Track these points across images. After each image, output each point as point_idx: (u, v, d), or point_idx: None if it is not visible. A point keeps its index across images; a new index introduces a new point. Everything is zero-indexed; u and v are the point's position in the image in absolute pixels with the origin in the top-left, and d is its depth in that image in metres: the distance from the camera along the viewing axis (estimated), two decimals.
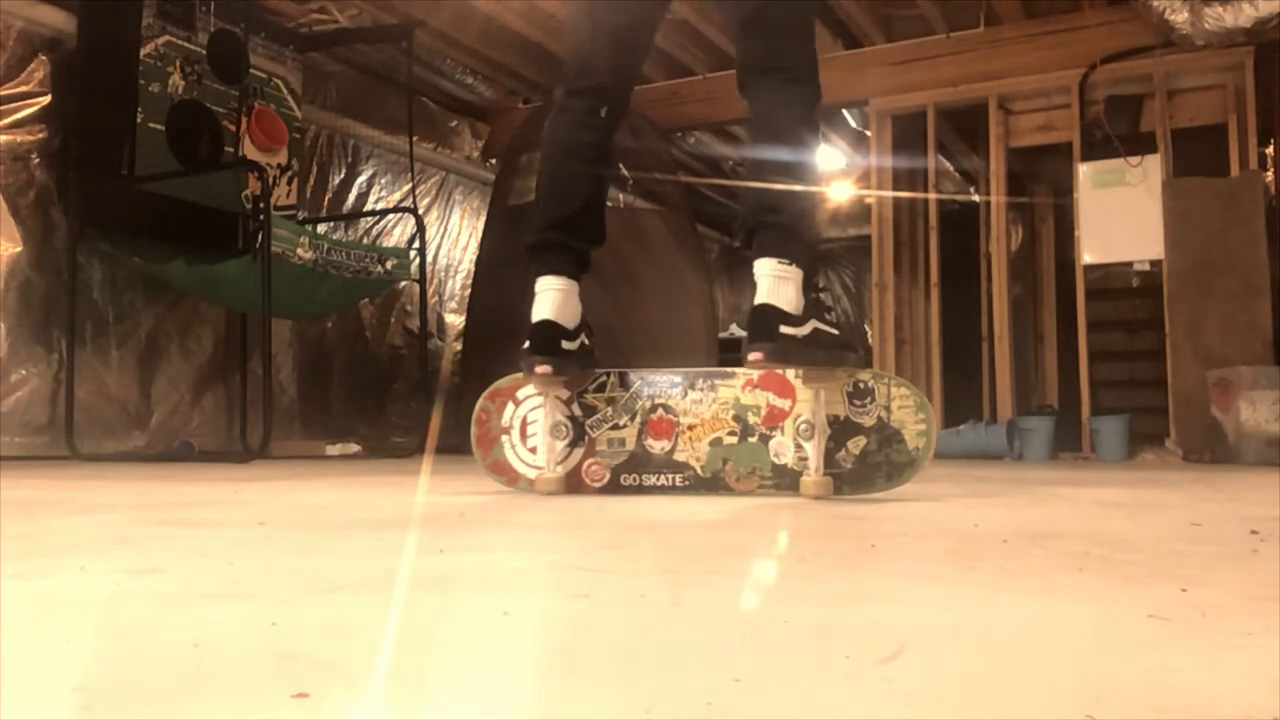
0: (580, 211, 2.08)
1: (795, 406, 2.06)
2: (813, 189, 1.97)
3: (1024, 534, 1.36)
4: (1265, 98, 5.01)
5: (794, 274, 1.88)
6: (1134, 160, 5.08)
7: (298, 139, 5.04)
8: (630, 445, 2.12)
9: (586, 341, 2.10)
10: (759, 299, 1.88)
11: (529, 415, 2.17)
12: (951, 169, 7.00)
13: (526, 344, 2.05)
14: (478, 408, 2.20)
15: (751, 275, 1.90)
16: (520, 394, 2.19)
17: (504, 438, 2.18)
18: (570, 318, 2.07)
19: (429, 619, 0.75)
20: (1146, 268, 5.13)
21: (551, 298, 2.05)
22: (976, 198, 6.33)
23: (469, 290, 6.20)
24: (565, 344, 2.04)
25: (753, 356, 1.85)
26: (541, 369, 2.01)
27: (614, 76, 2.13)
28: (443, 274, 6.46)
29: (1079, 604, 0.83)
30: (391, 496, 2.09)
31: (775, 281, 1.87)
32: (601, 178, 2.14)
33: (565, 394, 2.14)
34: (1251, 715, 0.49)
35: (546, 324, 2.04)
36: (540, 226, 2.08)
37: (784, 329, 1.85)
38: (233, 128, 4.50)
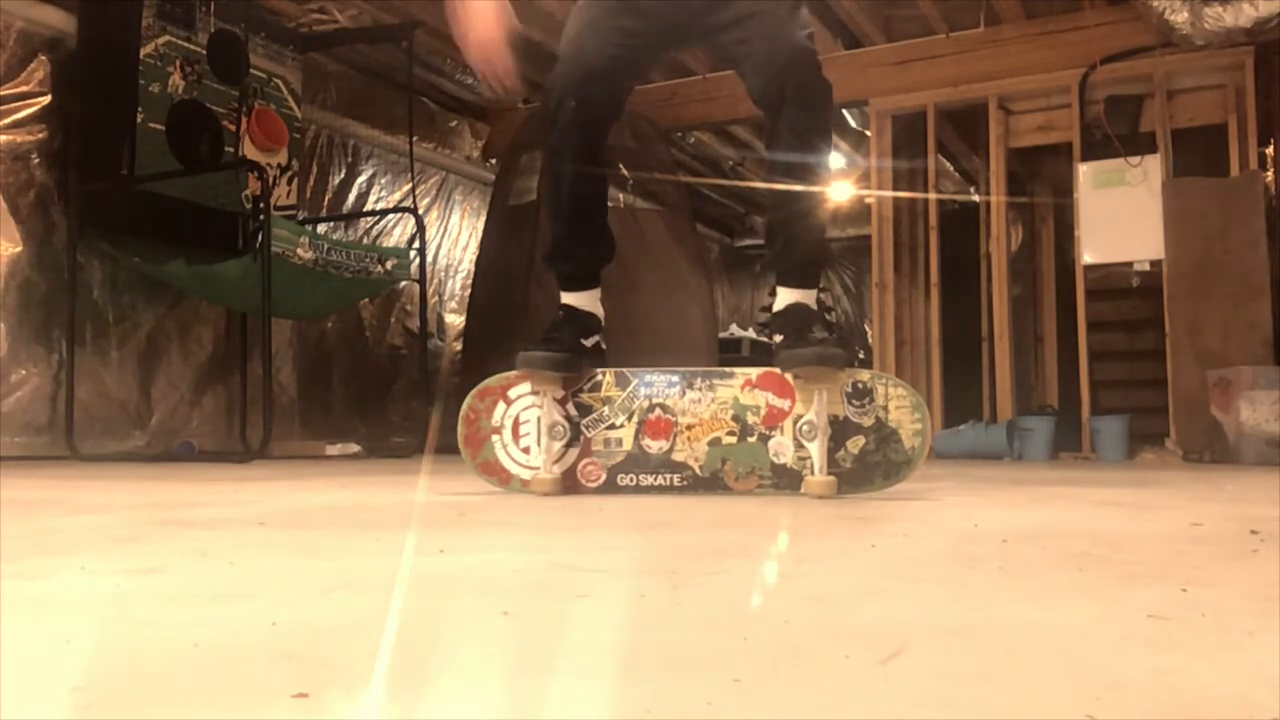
0: (585, 230, 2.19)
1: (794, 407, 2.06)
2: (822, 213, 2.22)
3: (1024, 534, 1.36)
4: (1265, 98, 5.01)
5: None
6: (1134, 160, 5.08)
7: (298, 139, 5.04)
8: (627, 445, 2.12)
9: (601, 343, 2.18)
10: (792, 301, 2.08)
11: (521, 415, 2.16)
12: (951, 169, 6.99)
13: (543, 337, 2.10)
14: (466, 406, 2.18)
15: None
16: (512, 393, 2.17)
17: (494, 437, 2.16)
18: (590, 317, 2.18)
19: (429, 619, 0.75)
20: (1146, 268, 5.13)
21: (574, 299, 2.18)
22: (976, 198, 6.32)
23: (469, 290, 6.20)
24: (584, 340, 2.13)
25: (795, 366, 2.00)
26: (553, 370, 2.05)
27: (601, 86, 2.15)
28: (443, 274, 6.46)
29: (1079, 604, 0.83)
30: (391, 496, 2.09)
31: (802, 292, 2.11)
32: (602, 194, 2.23)
33: (561, 393, 2.14)
34: (1252, 715, 0.49)
35: (570, 313, 2.15)
36: (550, 245, 2.21)
37: (817, 331, 2.01)
38: (233, 128, 4.50)
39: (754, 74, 2.07)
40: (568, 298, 2.19)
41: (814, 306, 2.13)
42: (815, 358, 1.97)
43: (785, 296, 2.12)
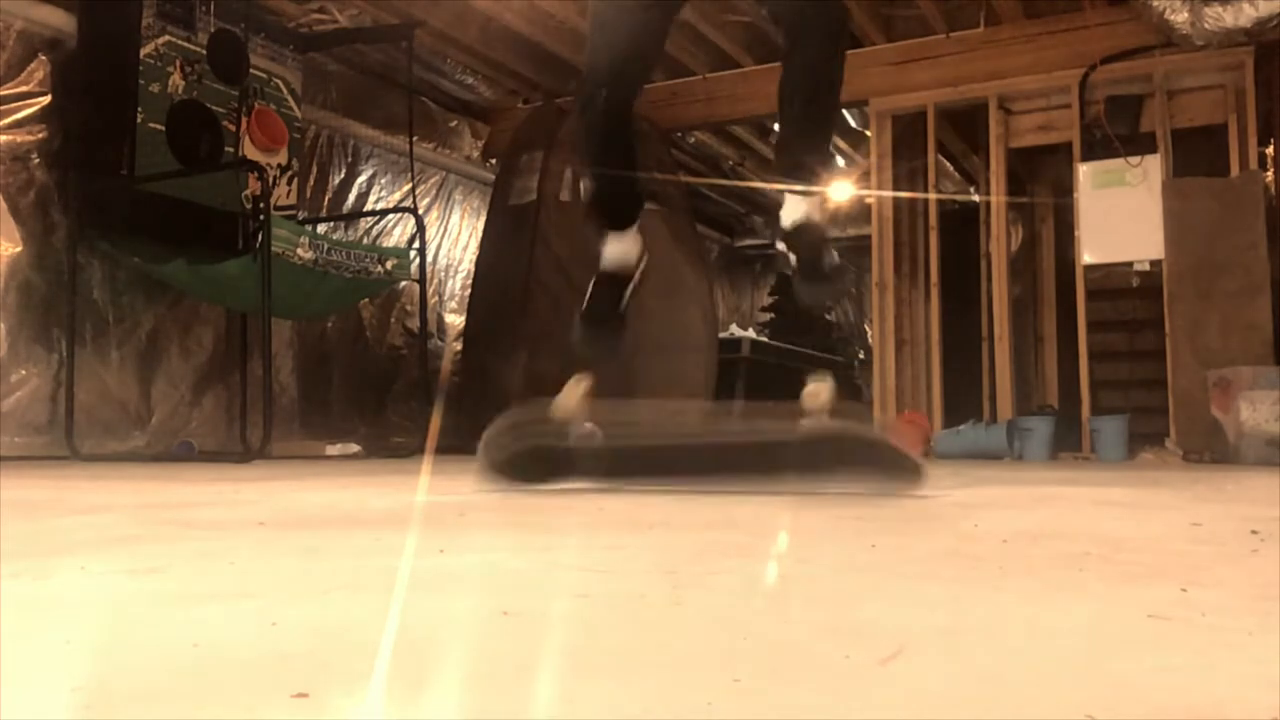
0: (620, 186, 2.35)
1: None
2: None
3: (1024, 534, 1.36)
4: (1265, 98, 5.01)
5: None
6: (1134, 160, 5.08)
7: (298, 139, 5.04)
8: None
9: (635, 282, 2.35)
10: (801, 216, 2.13)
11: None
12: (951, 169, 6.99)
13: (587, 312, 2.31)
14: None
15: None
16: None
17: None
18: (629, 263, 2.35)
19: (429, 619, 0.75)
20: (1146, 268, 5.13)
21: (614, 248, 2.35)
22: (976, 198, 6.32)
23: (469, 290, 6.20)
24: (622, 298, 2.32)
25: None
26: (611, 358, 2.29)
27: (628, 73, 2.34)
28: (443, 274, 6.46)
29: (1079, 604, 0.83)
30: (391, 496, 2.09)
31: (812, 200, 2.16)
32: (632, 156, 2.38)
33: None
34: (1252, 715, 0.49)
35: (605, 278, 2.32)
36: (590, 201, 2.42)
37: (828, 259, 2.10)
38: (233, 128, 4.50)
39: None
40: (609, 244, 2.34)
41: (819, 218, 2.18)
42: (828, 294, 2.09)
43: (792, 208, 2.15)
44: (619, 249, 2.36)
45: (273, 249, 3.85)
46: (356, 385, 5.74)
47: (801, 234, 2.13)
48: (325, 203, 5.64)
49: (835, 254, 2.14)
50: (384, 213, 5.92)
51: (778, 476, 2.05)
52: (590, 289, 2.36)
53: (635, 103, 2.35)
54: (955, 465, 4.12)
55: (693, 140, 7.17)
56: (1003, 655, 0.63)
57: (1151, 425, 5.02)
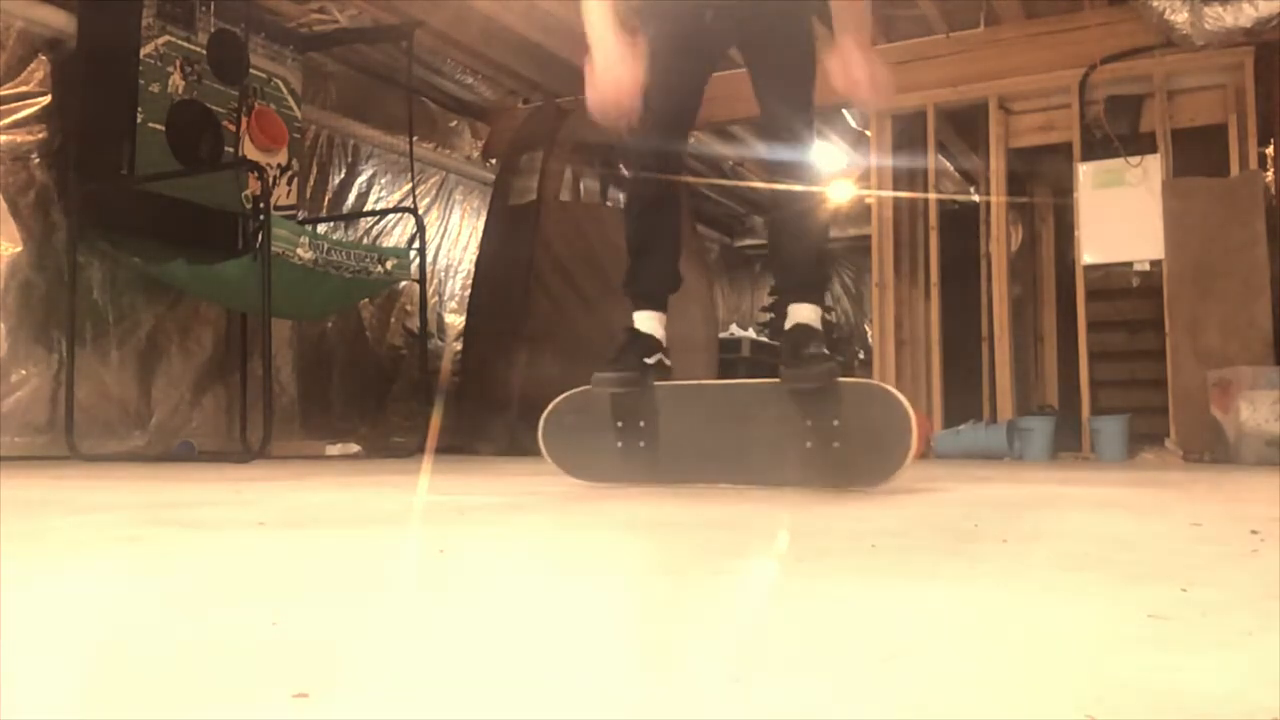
0: (657, 261, 2.48)
1: None
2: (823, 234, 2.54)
3: (1024, 534, 1.36)
4: (1265, 98, 5.01)
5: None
6: (1134, 160, 5.08)
7: (298, 139, 5.04)
8: None
9: (664, 359, 2.43)
10: (802, 320, 2.31)
11: None
12: (951, 169, 6.99)
13: (611, 359, 2.36)
14: None
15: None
16: None
17: None
18: (651, 338, 2.43)
19: (429, 618, 0.75)
20: (1146, 268, 5.13)
21: (640, 320, 2.45)
22: (976, 198, 6.32)
23: (469, 290, 6.20)
24: (646, 360, 2.38)
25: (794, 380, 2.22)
26: (622, 388, 2.33)
27: (676, 126, 2.51)
28: (443, 274, 6.46)
29: (1079, 604, 0.83)
30: (391, 496, 2.09)
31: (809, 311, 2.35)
32: (675, 232, 2.51)
33: None
34: (1252, 715, 0.49)
35: (633, 335, 2.40)
36: (627, 272, 2.49)
37: (814, 348, 2.22)
38: (233, 128, 4.50)
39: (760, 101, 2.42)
40: (637, 318, 2.44)
41: (816, 323, 2.33)
42: (806, 377, 2.19)
43: (792, 314, 2.33)
44: (650, 322, 2.44)
45: (273, 249, 3.85)
46: (356, 385, 5.74)
47: (795, 333, 2.30)
48: (325, 203, 5.64)
49: (823, 348, 2.25)
50: (384, 213, 5.92)
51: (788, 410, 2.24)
52: (618, 343, 2.41)
53: (680, 167, 2.47)
54: (955, 465, 4.12)
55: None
56: (1003, 655, 0.63)
57: (1151, 425, 5.02)
